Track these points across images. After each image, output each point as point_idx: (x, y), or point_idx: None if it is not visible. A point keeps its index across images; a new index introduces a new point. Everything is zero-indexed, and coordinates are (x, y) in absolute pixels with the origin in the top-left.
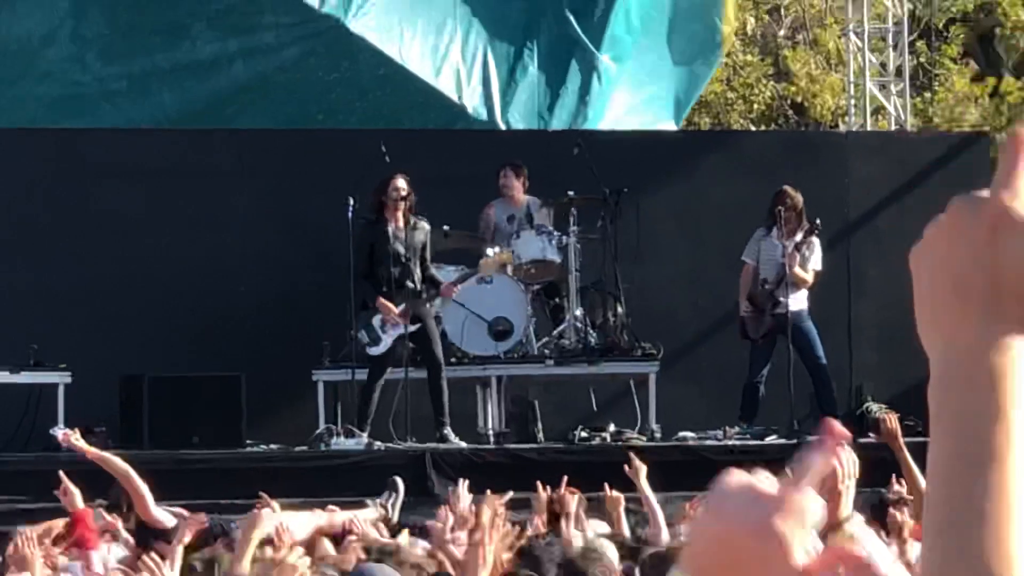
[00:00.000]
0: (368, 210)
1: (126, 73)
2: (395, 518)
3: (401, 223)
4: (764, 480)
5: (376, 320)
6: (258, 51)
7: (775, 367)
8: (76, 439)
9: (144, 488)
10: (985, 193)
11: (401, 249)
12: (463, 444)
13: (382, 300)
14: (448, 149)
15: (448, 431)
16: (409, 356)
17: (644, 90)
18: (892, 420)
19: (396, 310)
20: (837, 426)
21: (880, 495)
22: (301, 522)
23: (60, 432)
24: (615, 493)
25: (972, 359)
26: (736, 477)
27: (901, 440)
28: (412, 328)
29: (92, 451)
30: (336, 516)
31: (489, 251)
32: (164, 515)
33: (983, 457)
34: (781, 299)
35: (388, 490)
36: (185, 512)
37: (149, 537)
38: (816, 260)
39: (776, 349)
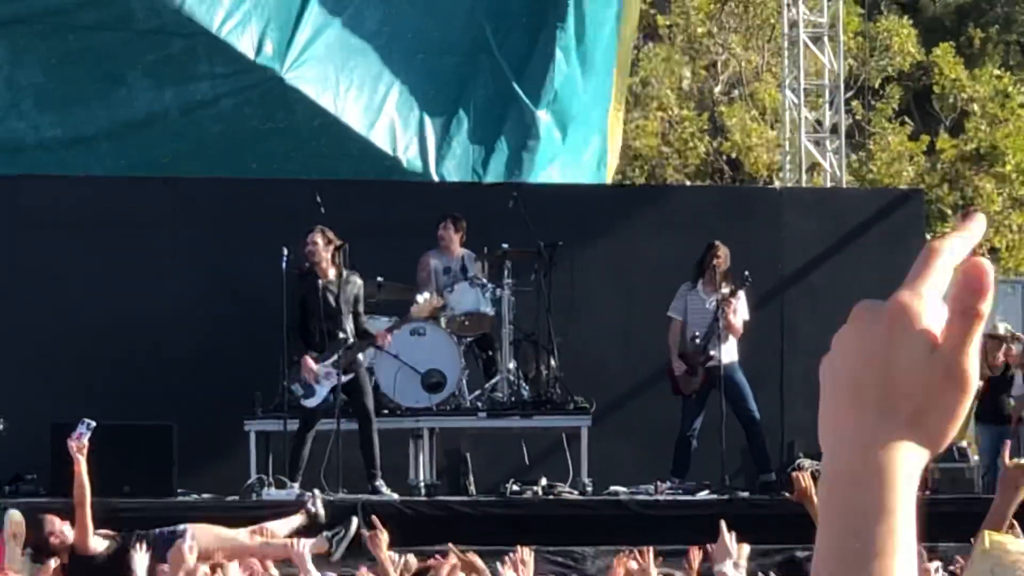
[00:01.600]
0: (297, 263)
1: (61, 121)
2: (337, 555)
3: (332, 275)
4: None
5: (304, 372)
6: (194, 100)
7: (706, 422)
8: (81, 452)
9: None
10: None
11: (332, 301)
12: (395, 496)
13: (305, 358)
14: (383, 200)
15: (380, 483)
16: (341, 407)
17: (579, 145)
18: (804, 478)
19: (315, 369)
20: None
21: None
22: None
23: (81, 432)
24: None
25: (860, 456)
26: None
27: (813, 495)
28: (345, 379)
29: (81, 467)
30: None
31: (419, 297)
32: (98, 542)
33: (867, 555)
34: (712, 352)
35: (341, 527)
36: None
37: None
38: (744, 310)
39: (708, 403)
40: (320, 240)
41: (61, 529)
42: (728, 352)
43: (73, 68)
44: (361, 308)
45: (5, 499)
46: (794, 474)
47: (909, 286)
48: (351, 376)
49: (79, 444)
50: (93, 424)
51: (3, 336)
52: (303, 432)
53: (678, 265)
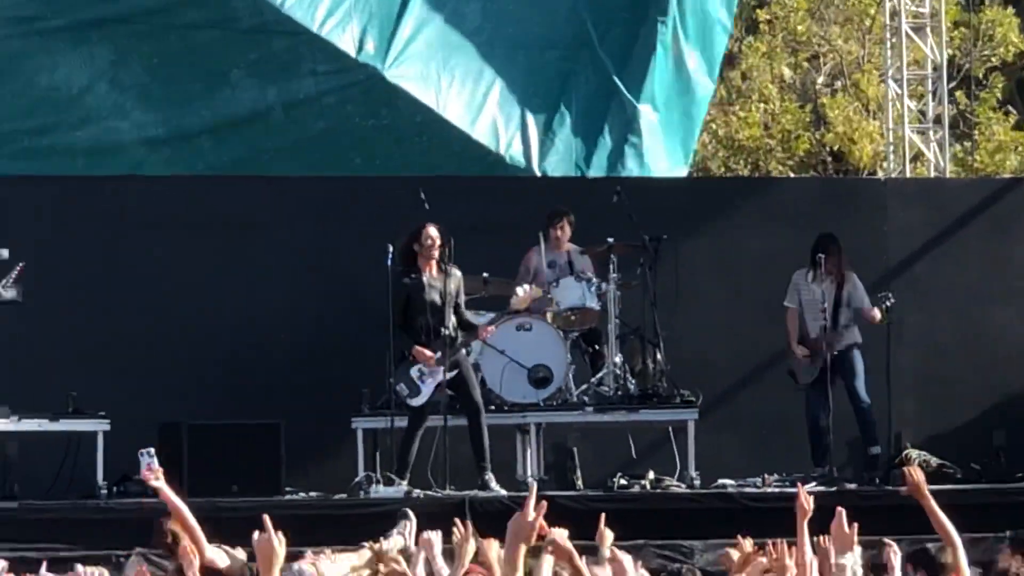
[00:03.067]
0: (400, 259)
1: (164, 120)
2: (411, 546)
3: (435, 271)
4: None
5: (414, 371)
6: (296, 99)
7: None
8: (157, 477)
9: (200, 532)
10: None
11: (436, 297)
12: (503, 491)
13: (418, 348)
14: (487, 196)
15: (489, 476)
16: (448, 403)
17: (681, 138)
18: (915, 472)
19: (433, 356)
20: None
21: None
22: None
23: (148, 463)
24: None
25: None
26: None
27: (926, 490)
28: (450, 375)
29: (167, 493)
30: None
31: (518, 289)
32: (217, 554)
33: None
34: (836, 343)
35: (401, 519)
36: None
37: None
38: (865, 295)
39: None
40: (438, 236)
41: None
42: (851, 335)
43: (176, 68)
44: (463, 300)
45: (114, 499)
46: (905, 469)
47: None
48: (456, 372)
49: (153, 473)
50: (152, 450)
51: (109, 336)
52: (412, 430)
53: (782, 257)
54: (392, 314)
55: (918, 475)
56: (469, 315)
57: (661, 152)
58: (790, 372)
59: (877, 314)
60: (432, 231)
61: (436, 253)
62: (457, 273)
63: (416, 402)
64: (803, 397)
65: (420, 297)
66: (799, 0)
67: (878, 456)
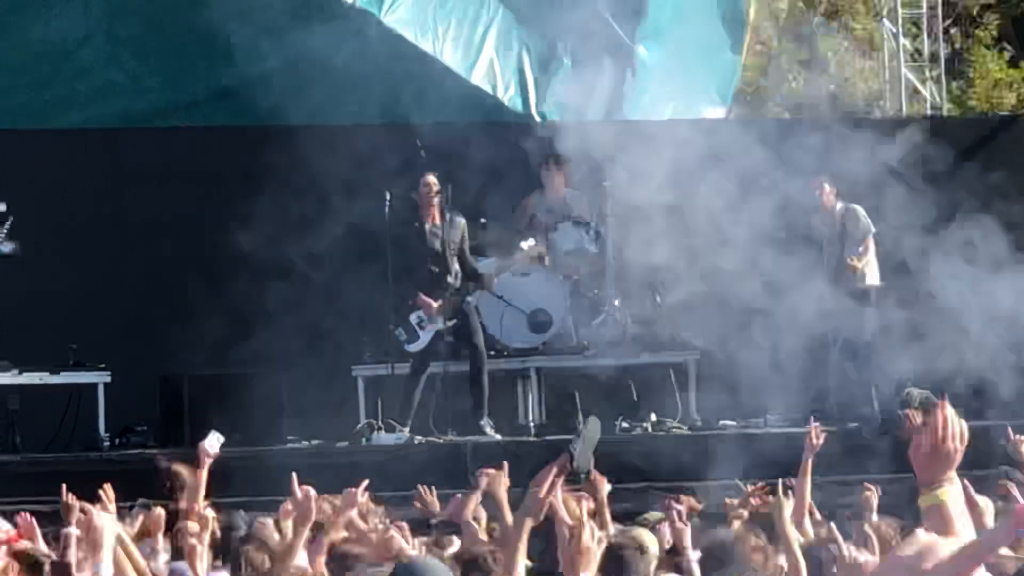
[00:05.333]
0: (402, 209)
1: (161, 72)
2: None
3: (437, 219)
4: (941, 545)
5: (414, 317)
6: (292, 47)
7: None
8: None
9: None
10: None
11: (438, 246)
12: (498, 436)
13: (422, 296)
14: (485, 142)
15: (485, 422)
16: (449, 351)
17: (682, 79)
18: (915, 416)
19: (435, 304)
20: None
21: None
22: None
23: (212, 445)
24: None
25: None
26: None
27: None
28: (451, 323)
29: (202, 475)
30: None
31: (523, 244)
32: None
33: None
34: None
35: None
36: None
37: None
38: (867, 227)
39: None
40: (435, 183)
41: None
42: (863, 277)
43: (171, 19)
44: (467, 247)
45: (115, 450)
46: (907, 412)
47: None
48: (457, 320)
49: (211, 454)
50: (222, 438)
51: (110, 289)
52: (413, 376)
53: (783, 198)
54: (392, 262)
55: (917, 420)
56: (473, 261)
57: (660, 92)
58: None
59: (856, 263)
60: (430, 179)
61: (436, 200)
62: (461, 220)
63: (414, 348)
64: None
65: (422, 245)
66: None
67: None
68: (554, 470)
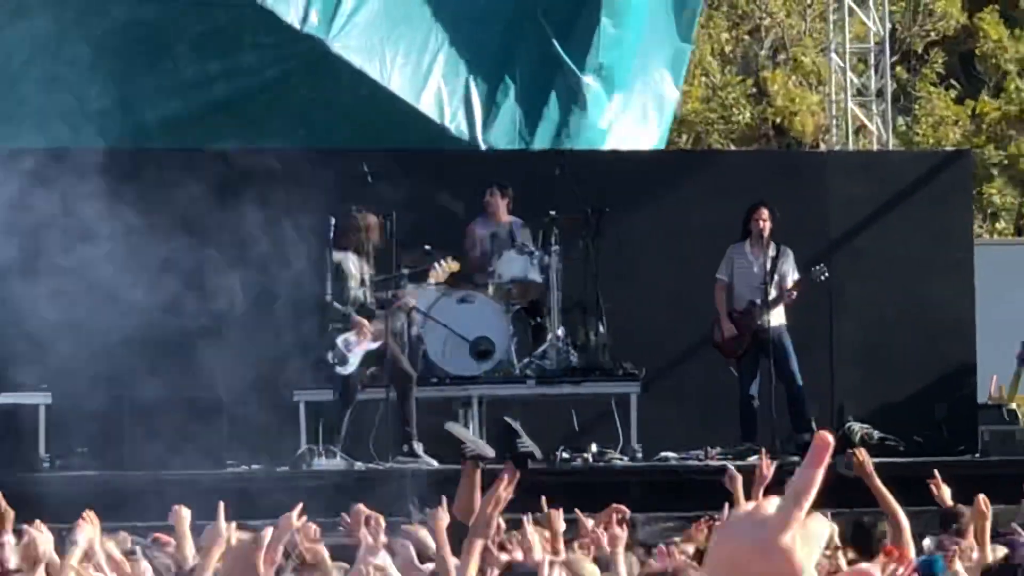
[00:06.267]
0: (332, 236)
1: (107, 93)
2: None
3: (368, 246)
4: (770, 503)
5: (340, 340)
6: (240, 72)
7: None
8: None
9: None
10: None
11: (362, 272)
12: (433, 461)
13: (355, 316)
14: (430, 169)
15: (416, 444)
16: (378, 375)
17: (627, 110)
18: (860, 453)
19: (367, 326)
20: (825, 438)
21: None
22: None
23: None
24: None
25: None
26: (744, 505)
27: (871, 471)
28: (376, 345)
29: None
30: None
31: (436, 264)
32: None
33: None
34: (763, 316)
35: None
36: None
37: None
38: (792, 271)
39: (760, 367)
40: (361, 219)
41: None
42: (776, 315)
43: (119, 41)
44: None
45: (54, 472)
46: (850, 451)
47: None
48: (380, 343)
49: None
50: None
51: (53, 309)
52: (343, 405)
53: (724, 230)
54: (323, 287)
55: (863, 455)
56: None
57: (607, 124)
58: (716, 345)
59: (795, 294)
60: (362, 217)
61: (367, 231)
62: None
63: (344, 370)
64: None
65: (346, 270)
66: None
67: (807, 444)
68: (504, 481)
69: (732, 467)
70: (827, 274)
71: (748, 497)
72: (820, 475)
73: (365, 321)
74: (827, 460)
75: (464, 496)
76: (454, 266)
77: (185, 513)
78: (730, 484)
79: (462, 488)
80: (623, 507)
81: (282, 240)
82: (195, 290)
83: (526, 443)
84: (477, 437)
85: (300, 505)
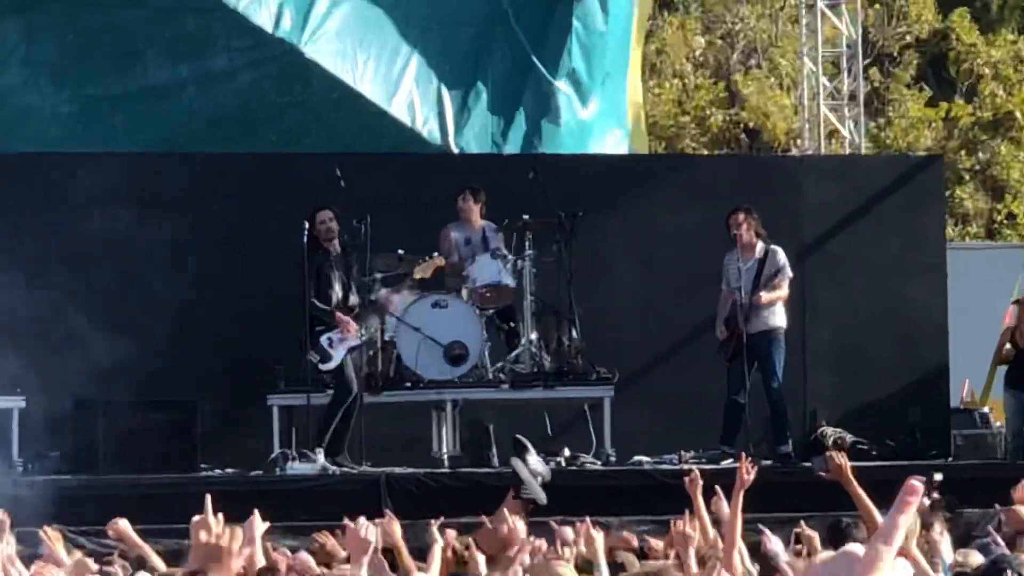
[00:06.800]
0: (303, 239)
1: (78, 97)
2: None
3: (338, 248)
4: (855, 547)
5: (324, 339)
6: (211, 76)
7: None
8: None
9: None
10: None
11: (341, 273)
12: (336, 467)
13: (340, 314)
14: (403, 173)
15: (319, 451)
16: (363, 381)
17: (599, 114)
18: (838, 456)
19: (352, 324)
20: (915, 487)
21: (836, 520)
22: None
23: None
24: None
25: None
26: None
27: (850, 474)
28: (364, 338)
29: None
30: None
31: (424, 259)
32: None
33: None
34: (747, 321)
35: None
36: None
37: None
38: (784, 268)
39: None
40: (330, 217)
41: None
42: (769, 318)
43: (89, 45)
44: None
45: (28, 476)
46: (829, 454)
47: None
48: (363, 341)
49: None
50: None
51: (24, 313)
52: (335, 405)
53: (698, 235)
54: (307, 286)
55: (841, 459)
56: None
57: (578, 128)
58: (721, 347)
59: (762, 297)
60: (327, 213)
61: (334, 234)
62: (354, 253)
63: (327, 366)
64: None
65: (329, 271)
66: None
67: (788, 455)
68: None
69: (695, 470)
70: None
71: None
72: (908, 520)
73: (349, 319)
74: (915, 506)
75: (494, 530)
76: (439, 261)
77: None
78: (690, 487)
79: (496, 520)
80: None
81: (257, 243)
82: (169, 291)
83: (530, 490)
84: (538, 482)
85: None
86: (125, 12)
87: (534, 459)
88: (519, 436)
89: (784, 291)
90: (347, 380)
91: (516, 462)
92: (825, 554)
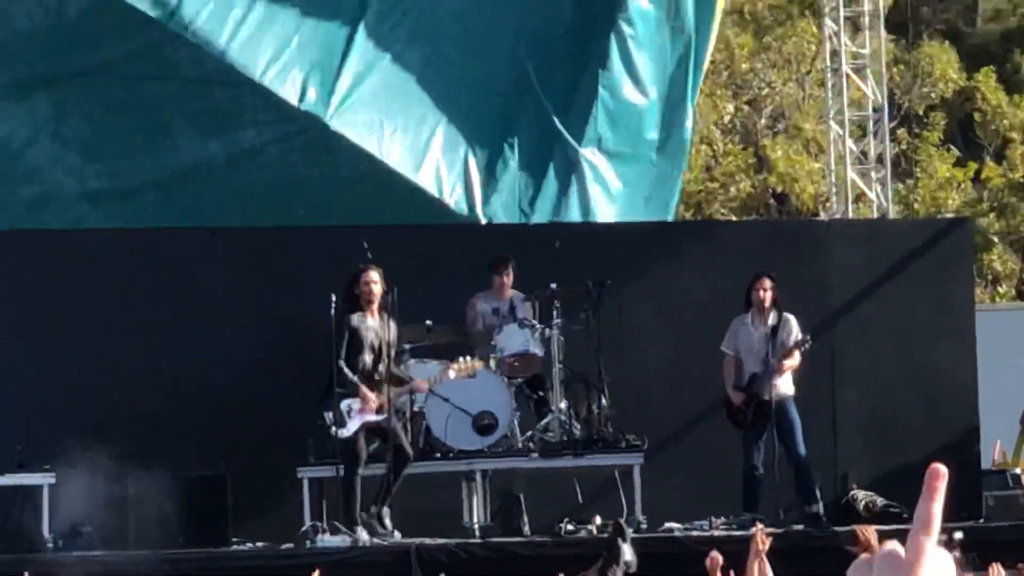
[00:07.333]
0: (343, 301)
1: (107, 172)
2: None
3: (376, 315)
4: (896, 545)
5: (344, 404)
6: (239, 149)
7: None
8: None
9: None
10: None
11: (375, 340)
12: (397, 533)
13: (363, 388)
14: (430, 244)
15: (385, 511)
16: (377, 450)
17: (626, 184)
18: (865, 531)
19: (374, 399)
20: (938, 470)
21: None
22: None
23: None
24: None
25: None
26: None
27: (876, 545)
28: (378, 418)
29: None
30: None
31: (461, 359)
32: None
33: None
34: (767, 387)
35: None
36: None
37: None
38: (796, 333)
39: (766, 436)
40: (379, 279)
41: None
42: (781, 385)
43: (118, 119)
44: (393, 353)
45: (59, 552)
46: (856, 528)
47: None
48: (383, 416)
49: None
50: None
51: (56, 388)
52: (349, 474)
53: (728, 300)
54: (335, 349)
55: (868, 533)
56: (398, 368)
57: (606, 196)
58: (729, 417)
59: (785, 365)
60: (372, 275)
61: (376, 298)
62: (394, 325)
63: (342, 433)
64: (740, 440)
65: (361, 337)
66: (744, 39)
67: (818, 515)
68: None
69: (715, 552)
70: (809, 343)
71: (741, 570)
72: (939, 506)
73: (371, 394)
74: (943, 489)
75: None
76: (478, 364)
77: None
78: (710, 566)
79: None
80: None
81: (287, 316)
82: (198, 366)
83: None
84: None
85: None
86: (154, 85)
87: (627, 547)
88: (621, 521)
89: (797, 360)
90: (356, 452)
91: (624, 547)
92: (860, 560)
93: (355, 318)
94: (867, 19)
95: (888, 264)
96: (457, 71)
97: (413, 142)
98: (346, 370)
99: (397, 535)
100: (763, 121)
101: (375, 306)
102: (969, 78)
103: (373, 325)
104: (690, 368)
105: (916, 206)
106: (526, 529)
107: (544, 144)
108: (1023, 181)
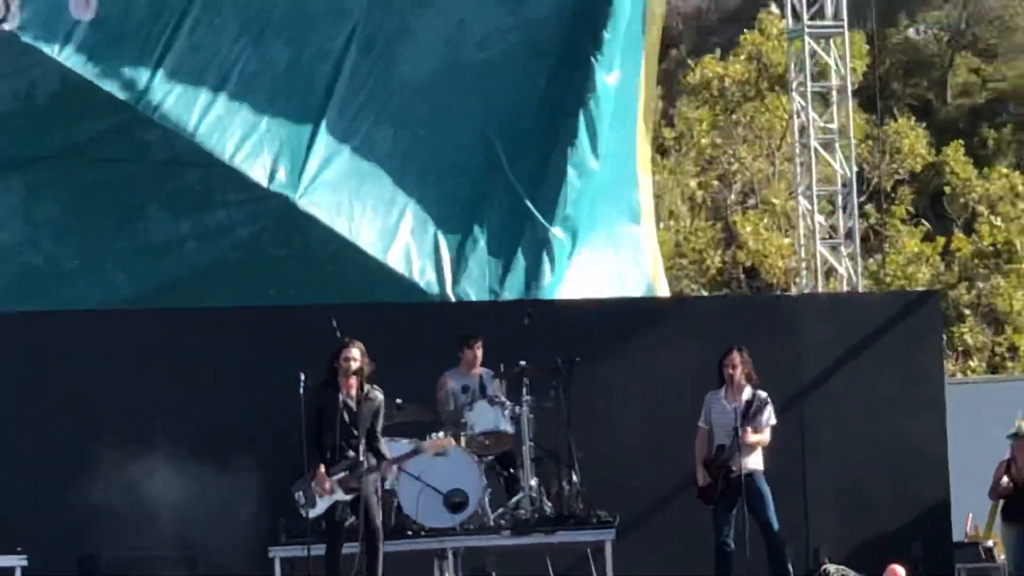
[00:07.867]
0: (323, 374)
1: (79, 254)
2: None
3: (353, 391)
4: None
5: (315, 483)
6: (210, 230)
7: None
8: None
9: None
10: None
11: (347, 417)
12: None
13: (318, 469)
14: (399, 322)
15: None
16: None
17: (597, 261)
18: None
19: (327, 484)
20: (896, 571)
21: None
22: None
23: None
24: None
25: None
26: None
27: None
28: (348, 497)
29: None
30: None
31: (432, 435)
32: None
33: None
34: (732, 463)
35: None
36: None
37: None
38: (769, 415)
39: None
40: (358, 355)
41: None
42: (750, 461)
43: (90, 201)
44: (379, 427)
45: None
46: None
47: None
48: (355, 496)
49: None
50: None
51: (26, 470)
52: (331, 550)
53: (698, 376)
54: (305, 426)
55: None
56: (382, 444)
57: (577, 273)
58: (699, 495)
59: (752, 438)
60: (354, 351)
61: (352, 373)
62: (379, 396)
63: (312, 512)
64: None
65: (332, 414)
66: (702, 113)
67: None
68: None
69: None
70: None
71: None
72: None
73: (328, 481)
74: None
75: None
76: (447, 442)
77: None
78: None
79: None
80: None
81: (257, 397)
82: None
83: None
84: None
85: None
86: (125, 168)
87: None
88: None
89: (767, 437)
90: (336, 525)
91: None
92: None
93: (323, 395)
94: (835, 94)
95: (858, 338)
96: (426, 151)
97: (383, 223)
98: (312, 449)
99: None
100: (733, 196)
101: (351, 381)
102: (938, 152)
103: (347, 401)
104: (662, 443)
105: (887, 279)
106: None
107: (514, 223)
108: (991, 249)
